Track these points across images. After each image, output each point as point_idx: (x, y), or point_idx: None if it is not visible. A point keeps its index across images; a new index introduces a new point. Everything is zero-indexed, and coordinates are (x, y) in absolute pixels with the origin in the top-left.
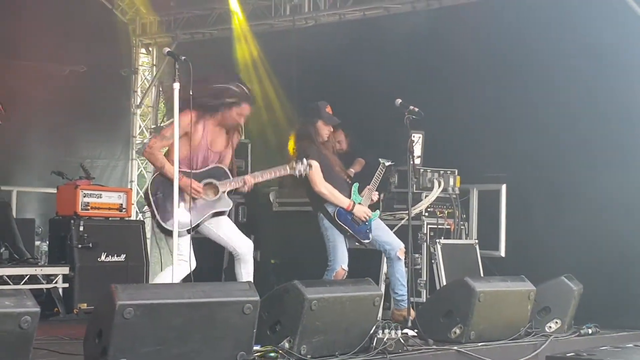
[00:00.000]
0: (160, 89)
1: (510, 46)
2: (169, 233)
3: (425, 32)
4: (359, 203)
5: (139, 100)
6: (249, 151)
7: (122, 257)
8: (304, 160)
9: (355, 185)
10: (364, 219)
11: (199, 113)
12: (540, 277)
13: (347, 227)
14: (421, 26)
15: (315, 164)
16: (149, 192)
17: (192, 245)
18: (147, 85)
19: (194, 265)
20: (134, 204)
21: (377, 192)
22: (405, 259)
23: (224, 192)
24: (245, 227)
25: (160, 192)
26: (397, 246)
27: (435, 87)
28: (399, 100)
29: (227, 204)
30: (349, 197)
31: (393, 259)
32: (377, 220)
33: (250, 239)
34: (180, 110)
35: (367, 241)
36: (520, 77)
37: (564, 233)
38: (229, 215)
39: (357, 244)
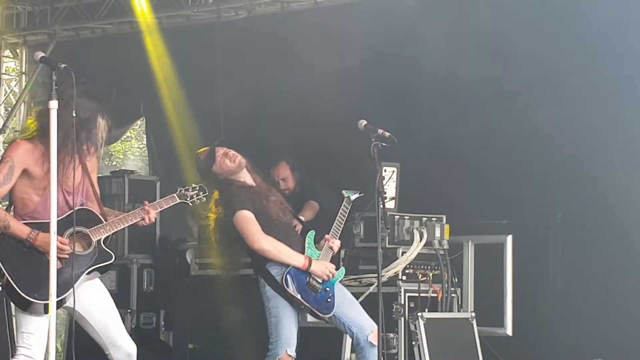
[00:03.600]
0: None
1: (518, 55)
2: (36, 310)
3: (403, 25)
4: (316, 259)
5: (1, 122)
6: (157, 190)
7: None
8: (198, 186)
9: (311, 235)
10: (326, 278)
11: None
12: None
13: (299, 297)
14: (396, 18)
15: (247, 213)
16: None
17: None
18: (14, 102)
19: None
20: None
21: (339, 241)
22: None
23: (99, 240)
24: (153, 299)
25: (15, 259)
26: (369, 327)
27: (414, 105)
28: (363, 122)
29: (107, 256)
30: (302, 252)
31: (364, 346)
32: (341, 288)
33: (160, 314)
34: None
35: (328, 315)
36: (526, 93)
37: (593, 302)
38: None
39: (310, 317)
